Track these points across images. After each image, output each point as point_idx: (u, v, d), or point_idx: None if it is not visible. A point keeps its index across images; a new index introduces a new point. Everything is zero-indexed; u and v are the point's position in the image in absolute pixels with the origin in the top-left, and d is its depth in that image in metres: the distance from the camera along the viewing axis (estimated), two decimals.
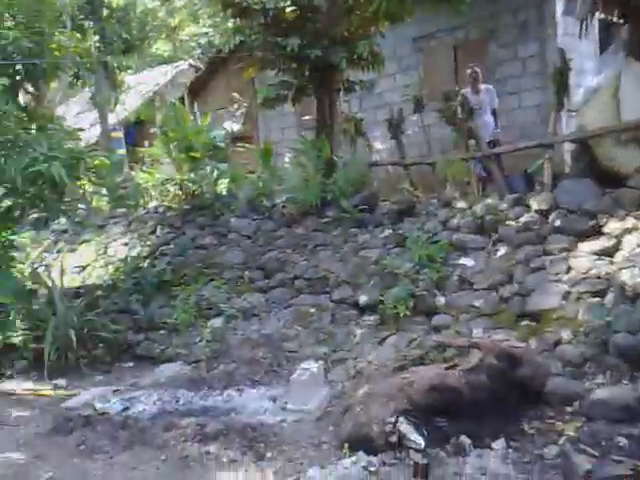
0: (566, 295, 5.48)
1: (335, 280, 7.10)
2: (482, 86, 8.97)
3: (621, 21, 8.32)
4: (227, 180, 10.03)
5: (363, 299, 6.64)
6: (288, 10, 9.44)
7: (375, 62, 9.39)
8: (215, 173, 9.98)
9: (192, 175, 9.97)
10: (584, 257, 5.74)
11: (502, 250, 6.37)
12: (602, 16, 7.95)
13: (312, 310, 6.94)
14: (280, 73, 9.76)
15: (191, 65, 19.80)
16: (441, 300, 6.17)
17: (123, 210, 10.86)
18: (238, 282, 7.83)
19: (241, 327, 7.06)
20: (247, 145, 11.11)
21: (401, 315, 6.13)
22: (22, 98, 10.20)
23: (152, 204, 10.57)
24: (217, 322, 7.20)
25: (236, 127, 11.88)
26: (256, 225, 8.75)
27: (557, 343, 5.19)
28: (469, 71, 9.02)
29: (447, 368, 5.07)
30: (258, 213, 8.99)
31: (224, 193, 9.82)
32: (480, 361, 5.00)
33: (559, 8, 9.48)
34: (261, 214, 8.94)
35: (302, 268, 7.55)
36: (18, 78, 9.03)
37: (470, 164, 7.58)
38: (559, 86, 6.91)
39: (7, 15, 8.74)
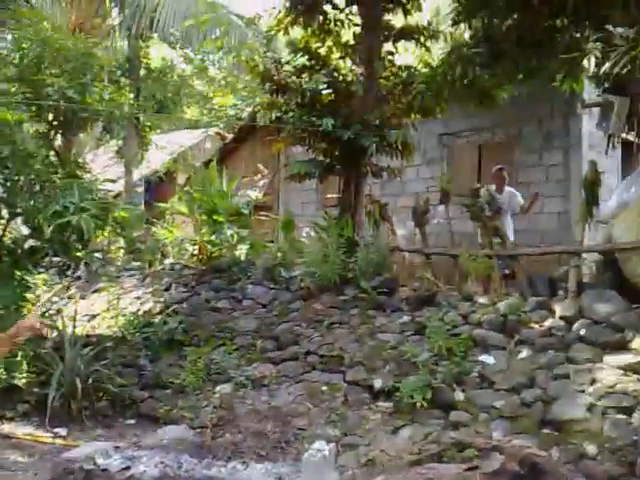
0: (591, 407, 5.25)
1: (350, 360, 6.84)
2: (507, 187, 9.00)
3: None
4: (246, 246, 9.91)
5: (378, 383, 6.36)
6: (324, 92, 9.62)
7: (405, 151, 9.48)
8: (235, 238, 9.89)
9: (212, 237, 9.86)
10: (610, 370, 5.55)
11: (524, 352, 6.16)
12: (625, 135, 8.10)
13: (324, 388, 6.65)
14: (310, 150, 9.86)
15: (217, 133, 20.14)
16: (460, 396, 5.91)
17: (138, 264, 10.69)
18: (250, 350, 7.57)
19: (250, 396, 6.74)
20: (270, 215, 11.07)
21: (417, 406, 5.85)
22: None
23: (168, 261, 10.41)
24: (226, 388, 6.90)
25: (259, 196, 11.87)
26: (272, 295, 8.56)
27: (581, 456, 4.94)
28: (497, 171, 9.07)
29: (467, 469, 4.80)
30: (275, 283, 8.81)
31: (242, 259, 9.67)
32: (502, 466, 4.75)
33: (585, 122, 9.69)
34: (278, 284, 8.76)
35: (316, 344, 7.29)
36: (55, 123, 9.05)
37: (494, 261, 7.47)
38: (589, 196, 6.89)
39: (54, 63, 8.86)
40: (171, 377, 7.21)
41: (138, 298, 9.37)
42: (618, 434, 4.92)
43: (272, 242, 10.34)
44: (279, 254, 9.44)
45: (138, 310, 8.73)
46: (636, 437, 4.83)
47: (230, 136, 15.82)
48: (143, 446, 6.01)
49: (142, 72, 17.05)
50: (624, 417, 5.06)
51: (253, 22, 11.63)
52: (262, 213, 10.98)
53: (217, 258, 9.61)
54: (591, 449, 4.94)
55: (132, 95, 16.45)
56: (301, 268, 8.86)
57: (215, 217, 9.83)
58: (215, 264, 9.45)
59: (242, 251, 9.85)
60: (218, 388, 6.89)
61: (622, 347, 5.74)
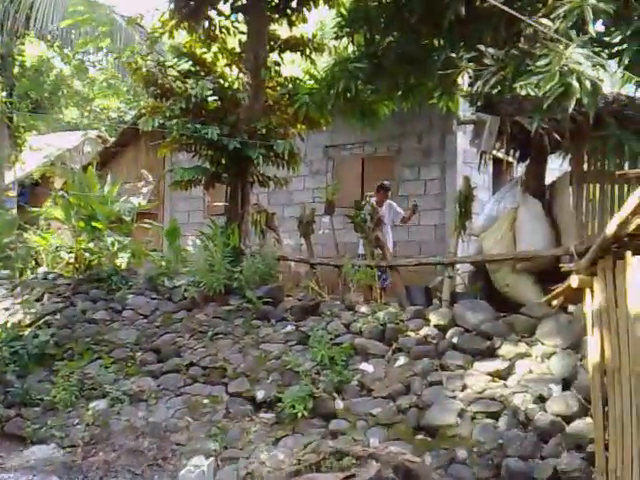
0: (461, 413, 5.49)
1: (233, 371, 6.75)
2: (387, 201, 9.28)
3: (514, 161, 9.07)
4: (128, 255, 9.55)
5: (260, 394, 6.32)
6: (210, 99, 9.49)
7: (291, 162, 9.54)
8: (116, 246, 9.50)
9: (91, 245, 9.41)
10: (479, 377, 5.83)
11: (401, 360, 6.35)
12: (496, 153, 8.62)
13: (205, 401, 6.51)
14: (196, 157, 9.68)
15: (99, 136, 19.29)
16: (340, 404, 5.99)
17: (7, 272, 9.99)
18: (128, 363, 7.26)
19: (126, 412, 6.48)
20: (153, 222, 10.73)
21: (299, 415, 5.88)
22: None
23: (42, 270, 9.81)
24: (100, 404, 6.58)
25: (142, 203, 11.46)
26: (154, 305, 8.29)
27: (452, 461, 5.14)
28: (382, 189, 9.30)
29: (345, 478, 4.87)
30: (158, 293, 8.55)
31: (123, 268, 9.30)
32: (378, 473, 4.86)
33: (460, 138, 10.20)
34: (161, 294, 8.50)
35: (199, 355, 7.12)
36: None
37: (375, 271, 7.68)
38: (463, 210, 7.25)
39: None
40: (41, 394, 6.77)
41: (7, 309, 8.72)
42: (486, 438, 5.17)
43: (156, 250, 10.01)
44: (163, 263, 9.18)
45: (6, 322, 8.11)
46: (502, 441, 5.10)
47: (112, 140, 15.20)
48: (7, 468, 5.64)
49: (16, 70, 16.05)
50: (491, 421, 5.32)
51: (135, 22, 11.23)
52: (146, 220, 10.62)
53: (96, 267, 9.18)
54: (461, 453, 5.15)
55: (4, 93, 15.50)
56: (185, 277, 8.66)
57: (94, 223, 9.40)
58: (93, 273, 9.02)
59: (123, 260, 9.47)
60: (92, 404, 6.56)
61: (491, 354, 6.05)
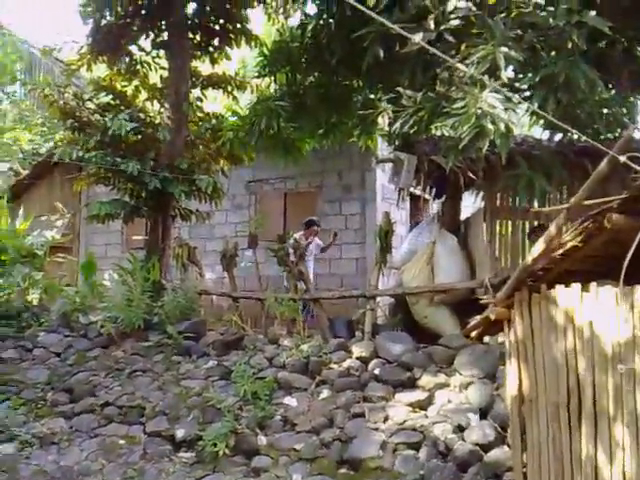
0: (384, 445, 5.43)
1: (151, 410, 6.43)
2: (314, 237, 9.27)
3: (431, 197, 9.32)
4: (40, 290, 9.02)
5: (180, 433, 6.04)
6: (130, 134, 9.25)
7: (214, 196, 9.40)
8: (27, 281, 8.96)
9: (0, 280, 8.84)
10: (400, 408, 5.82)
11: (325, 393, 6.26)
12: (413, 190, 8.84)
13: (121, 442, 6.17)
14: (114, 190, 9.36)
15: (11, 169, 18.37)
16: (263, 440, 5.81)
17: None
18: (39, 404, 6.80)
19: (36, 456, 6.01)
20: (67, 257, 10.22)
21: (220, 454, 5.64)
22: None
23: None
24: (8, 448, 6.09)
25: (57, 237, 10.93)
26: (68, 342, 7.84)
27: None
28: (312, 222, 9.26)
29: None
30: (71, 330, 8.11)
31: (34, 304, 8.77)
32: None
33: (379, 175, 10.40)
34: (75, 331, 8.06)
35: (115, 394, 6.76)
36: None
37: (299, 304, 7.60)
38: (383, 245, 7.33)
39: None
40: None
41: None
42: (407, 470, 5.13)
43: (70, 285, 9.51)
44: (77, 299, 8.70)
45: None
46: (423, 472, 5.07)
47: (25, 172, 14.49)
48: None
49: None
50: (413, 452, 5.30)
51: (50, 52, 10.88)
52: (60, 255, 10.11)
53: (4, 303, 8.59)
54: None
55: None
56: (102, 313, 8.23)
57: (3, 257, 8.85)
58: (2, 310, 8.43)
59: (35, 295, 8.93)
60: None
61: (411, 385, 6.07)
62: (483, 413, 5.50)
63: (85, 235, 13.10)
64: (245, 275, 9.29)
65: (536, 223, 6.83)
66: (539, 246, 3.79)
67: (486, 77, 5.17)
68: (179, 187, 8.75)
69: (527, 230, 7.03)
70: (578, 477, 3.66)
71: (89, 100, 9.49)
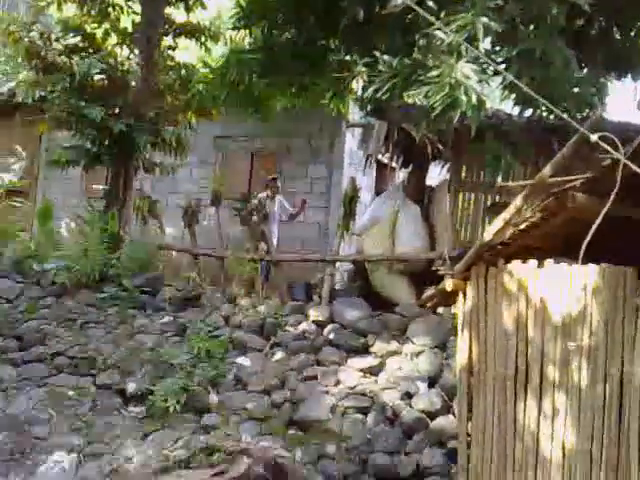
0: (333, 408, 5.52)
1: (103, 363, 6.34)
2: (278, 197, 9.17)
3: (397, 166, 9.28)
4: None
5: (131, 387, 5.99)
6: (97, 78, 8.93)
7: (179, 149, 9.17)
8: None
9: None
10: (352, 373, 5.89)
11: (278, 354, 6.28)
12: (381, 157, 8.78)
13: (71, 393, 6.08)
14: (76, 136, 9.05)
15: None
16: (214, 399, 5.81)
17: None
18: None
19: None
20: (24, 201, 9.90)
21: (171, 410, 5.62)
22: None
23: None
24: None
25: (13, 180, 10.55)
26: (20, 289, 7.60)
27: (321, 456, 5.12)
28: (272, 182, 9.17)
29: (214, 475, 4.72)
30: (24, 277, 7.85)
31: None
32: (248, 469, 4.74)
33: (348, 140, 10.28)
34: (28, 278, 7.82)
35: (67, 344, 6.62)
36: None
37: (258, 265, 7.53)
38: (347, 210, 7.28)
39: None
40: None
41: None
42: (355, 433, 5.22)
43: (24, 231, 9.23)
44: (32, 245, 8.46)
45: None
46: (369, 436, 5.15)
47: None
48: None
49: None
50: (361, 417, 5.39)
51: None
52: (16, 199, 9.76)
53: None
54: (331, 449, 5.16)
55: None
56: (57, 262, 8.02)
57: None
58: None
59: None
60: None
61: (364, 351, 6.13)
62: (432, 382, 5.61)
63: (43, 181, 12.66)
64: (206, 232, 9.15)
65: (497, 199, 6.86)
66: (499, 221, 3.79)
67: (463, 47, 5.07)
68: (144, 135, 8.47)
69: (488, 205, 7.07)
70: (520, 447, 3.75)
71: (56, 40, 9.08)
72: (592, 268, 3.55)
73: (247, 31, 8.52)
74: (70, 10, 9.59)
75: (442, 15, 5.61)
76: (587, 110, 6.14)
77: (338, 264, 7.67)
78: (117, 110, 8.59)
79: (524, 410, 3.75)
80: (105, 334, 6.80)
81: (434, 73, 5.37)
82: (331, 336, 6.32)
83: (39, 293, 7.56)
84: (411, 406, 5.37)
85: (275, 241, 8.72)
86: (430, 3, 5.77)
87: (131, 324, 6.95)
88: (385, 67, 5.99)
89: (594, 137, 3.27)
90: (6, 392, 6.09)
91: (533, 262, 3.77)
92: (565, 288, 3.61)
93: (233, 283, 7.55)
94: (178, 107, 9.48)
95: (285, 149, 10.74)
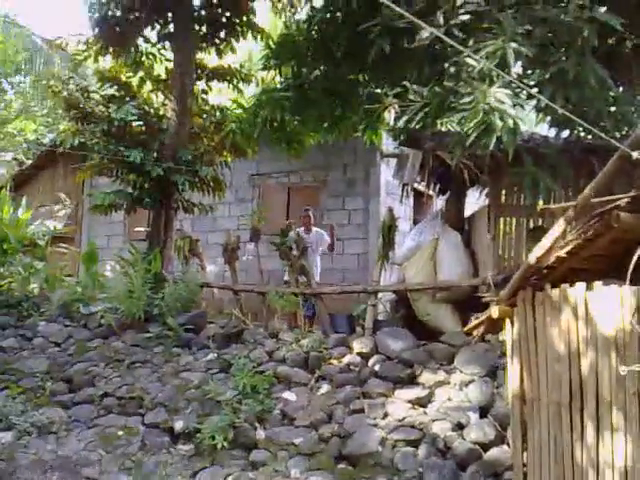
0: (382, 441, 5.41)
1: (150, 402, 6.39)
2: (314, 228, 9.24)
3: (435, 194, 9.26)
4: (41, 280, 8.99)
5: (179, 425, 6.00)
6: (134, 124, 9.24)
7: (216, 188, 9.36)
8: (28, 271, 8.94)
9: (1, 269, 8.82)
10: (400, 404, 5.79)
11: (324, 388, 6.24)
12: (417, 186, 8.78)
13: (120, 433, 6.12)
14: (117, 181, 9.34)
15: (14, 158, 18.36)
16: (262, 434, 5.78)
17: None
18: (37, 393, 6.75)
19: (34, 445, 5.98)
20: (69, 247, 10.20)
21: (219, 447, 5.61)
22: None
23: None
24: (6, 437, 6.04)
25: (59, 227, 10.91)
26: (68, 332, 7.80)
27: None
28: (304, 213, 9.28)
29: None
30: (72, 320, 8.06)
31: (35, 293, 8.75)
32: None
33: (383, 171, 10.35)
34: (75, 321, 8.02)
35: (114, 385, 6.72)
36: None
37: (299, 299, 7.56)
38: (386, 240, 7.27)
39: None
40: None
41: None
42: (406, 466, 5.11)
43: (71, 276, 9.48)
44: (78, 289, 8.68)
45: None
46: (422, 469, 5.04)
47: (29, 162, 14.46)
48: None
49: None
50: (412, 449, 5.27)
51: (60, 47, 10.83)
52: (62, 245, 10.09)
53: (5, 292, 8.57)
54: None
55: None
56: (103, 304, 8.21)
57: (5, 247, 8.83)
58: (2, 299, 8.41)
59: (36, 285, 8.90)
60: None
61: (411, 381, 6.04)
62: (483, 411, 5.47)
63: (87, 226, 13.07)
64: (247, 269, 9.25)
65: (539, 222, 6.78)
66: (544, 244, 3.74)
67: (496, 71, 5.09)
68: (182, 176, 8.69)
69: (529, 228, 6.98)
70: (578, 476, 3.63)
71: (94, 92, 9.48)
72: None
73: (277, 71, 8.75)
74: (106, 61, 10.03)
75: (470, 43, 5.68)
76: (626, 128, 6.08)
77: (380, 294, 7.64)
78: (155, 154, 8.86)
79: (581, 437, 3.63)
80: (151, 373, 6.88)
81: (467, 100, 5.41)
82: (376, 368, 6.26)
83: (87, 335, 7.73)
84: (463, 437, 5.25)
85: (318, 273, 8.78)
86: (457, 32, 5.85)
87: (176, 362, 7.01)
88: (416, 96, 6.05)
89: (635, 154, 3.24)
90: (57, 434, 6.17)
91: (581, 285, 3.70)
92: (616, 310, 3.52)
93: (275, 318, 7.59)
94: (214, 148, 9.72)
95: (321, 182, 10.87)
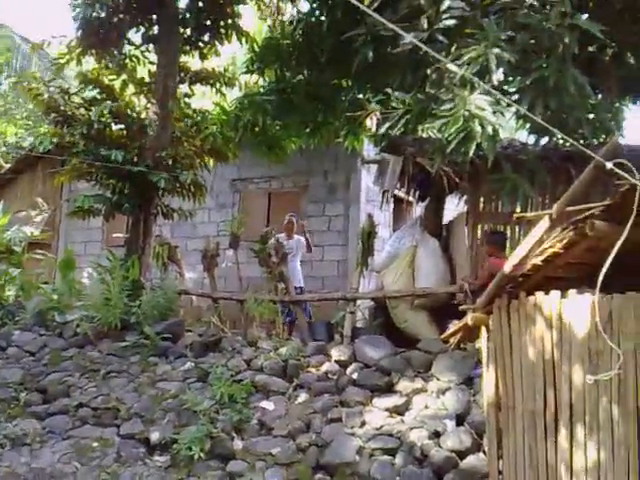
0: (360, 450, 5.40)
1: (126, 412, 6.32)
2: (295, 235, 9.22)
3: (414, 200, 9.30)
4: (16, 287, 8.88)
5: (155, 436, 5.94)
6: (115, 127, 9.19)
7: (196, 193, 9.31)
8: (3, 278, 8.82)
9: None
10: (378, 413, 5.78)
11: (302, 397, 6.21)
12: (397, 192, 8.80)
13: (95, 444, 6.04)
14: (96, 185, 9.26)
15: None
16: (239, 444, 5.74)
17: None
18: (11, 404, 6.64)
19: (8, 458, 5.88)
20: (46, 253, 10.08)
21: (195, 458, 5.56)
22: None
23: None
24: None
25: (35, 233, 10.78)
26: (43, 341, 7.66)
27: None
28: (287, 219, 9.26)
29: None
30: (47, 328, 7.93)
31: (10, 301, 8.63)
32: None
33: (364, 177, 10.37)
34: (50, 330, 7.90)
35: (90, 395, 6.62)
36: None
37: (278, 306, 7.53)
38: (365, 247, 7.28)
39: None
40: None
41: None
42: (384, 475, 5.10)
43: (47, 283, 9.37)
44: (54, 296, 8.56)
45: None
46: (399, 478, 5.04)
47: (7, 166, 14.31)
48: None
49: None
50: (389, 458, 5.26)
51: (40, 47, 10.73)
52: (38, 251, 9.96)
53: None
54: None
55: None
56: (79, 312, 8.11)
57: None
58: None
59: (10, 293, 8.78)
60: None
61: (389, 389, 6.03)
62: (460, 419, 5.47)
63: (65, 232, 12.94)
64: (226, 275, 9.20)
65: (517, 230, 6.81)
66: (519, 253, 3.76)
67: (476, 79, 5.12)
68: (161, 176, 8.60)
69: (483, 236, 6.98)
70: None
71: (75, 94, 9.40)
72: (617, 297, 3.49)
73: (261, 74, 8.76)
74: (89, 64, 9.95)
75: (453, 49, 5.71)
76: (604, 136, 6.14)
77: (359, 302, 7.64)
78: (135, 158, 8.80)
79: (555, 446, 3.65)
80: (127, 383, 6.80)
81: (447, 106, 5.44)
82: (354, 376, 6.25)
83: (62, 344, 7.61)
84: (440, 445, 5.25)
85: (300, 279, 8.76)
86: (441, 37, 5.88)
87: (153, 372, 6.94)
88: (398, 103, 6.08)
89: (609, 164, 3.26)
90: (31, 446, 6.07)
91: (556, 293, 3.72)
92: (590, 318, 3.54)
93: (253, 325, 7.55)
94: (194, 152, 9.66)
95: (302, 188, 10.87)
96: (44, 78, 9.94)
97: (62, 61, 9.73)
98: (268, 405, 6.15)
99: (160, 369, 6.97)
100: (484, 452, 4.92)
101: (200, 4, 9.41)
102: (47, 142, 9.22)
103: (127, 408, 6.38)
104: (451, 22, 5.82)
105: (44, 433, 6.25)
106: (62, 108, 9.08)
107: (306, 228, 9.34)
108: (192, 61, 10.02)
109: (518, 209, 6.54)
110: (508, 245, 6.60)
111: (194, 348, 7.18)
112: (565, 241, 3.64)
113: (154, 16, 9.36)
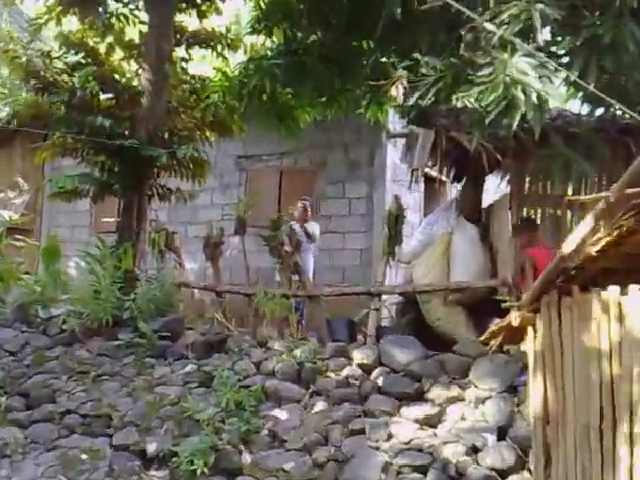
0: (386, 467, 5.43)
1: (119, 420, 6.47)
2: (311, 222, 9.24)
3: (448, 180, 9.25)
4: None
5: (152, 448, 6.08)
6: (103, 97, 9.22)
7: (197, 171, 9.34)
8: None
9: None
10: (406, 424, 5.82)
11: (320, 405, 6.26)
12: (428, 171, 8.76)
13: (84, 456, 6.21)
14: (83, 163, 9.32)
15: None
16: (247, 458, 5.83)
17: None
18: None
19: None
20: (27, 240, 10.18)
21: (198, 473, 5.66)
22: None
23: None
24: None
25: (15, 216, 10.90)
26: (24, 339, 7.87)
27: None
28: (300, 204, 9.26)
29: None
30: (29, 325, 8.13)
31: None
32: None
33: (390, 153, 10.31)
34: (33, 326, 8.09)
35: (78, 401, 6.80)
36: None
37: (292, 302, 7.57)
38: (392, 234, 7.26)
39: None
40: None
41: None
42: None
43: (29, 273, 9.48)
44: (37, 288, 8.69)
45: None
46: None
47: None
48: None
49: None
50: (419, 476, 5.29)
51: (13, 3, 10.77)
52: (18, 237, 10.07)
53: None
54: None
55: None
56: (65, 306, 8.24)
57: None
58: None
59: None
60: None
61: (419, 397, 6.05)
62: (501, 433, 5.48)
63: (48, 215, 13.07)
64: (231, 266, 9.25)
65: (568, 214, 6.77)
66: (572, 241, 3.73)
67: (518, 40, 5.06)
68: (158, 151, 8.62)
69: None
70: None
71: (57, 58, 9.44)
72: None
73: (268, 35, 8.70)
74: (71, 24, 9.97)
75: (491, 5, 5.64)
76: None
77: (384, 297, 7.65)
78: (126, 131, 8.83)
79: (613, 463, 3.63)
80: (121, 387, 6.94)
81: (485, 72, 5.38)
82: (380, 382, 6.28)
83: (46, 343, 7.80)
84: (478, 462, 5.26)
85: (311, 273, 8.78)
86: None
87: (150, 375, 7.06)
88: (428, 69, 6.02)
89: None
90: (12, 457, 6.28)
91: (614, 288, 3.68)
92: None
93: (263, 323, 7.59)
94: (194, 124, 9.68)
95: (318, 166, 10.85)
96: (22, 40, 9.97)
97: (40, 21, 9.77)
98: (280, 414, 6.21)
99: (157, 372, 7.08)
100: (529, 471, 4.92)
101: None
102: (26, 113, 9.25)
103: (120, 416, 6.50)
104: None
105: (26, 443, 6.44)
106: (42, 74, 9.14)
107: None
108: (189, 20, 10.01)
109: (570, 191, 6.49)
110: (559, 233, 6.56)
111: (196, 348, 7.27)
112: (624, 229, 3.60)
113: None
